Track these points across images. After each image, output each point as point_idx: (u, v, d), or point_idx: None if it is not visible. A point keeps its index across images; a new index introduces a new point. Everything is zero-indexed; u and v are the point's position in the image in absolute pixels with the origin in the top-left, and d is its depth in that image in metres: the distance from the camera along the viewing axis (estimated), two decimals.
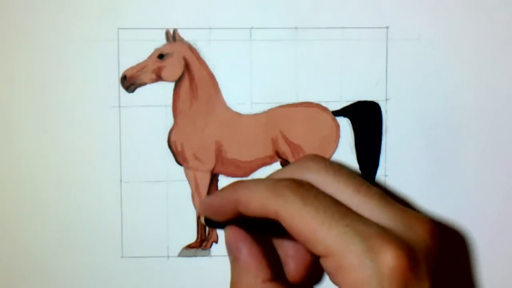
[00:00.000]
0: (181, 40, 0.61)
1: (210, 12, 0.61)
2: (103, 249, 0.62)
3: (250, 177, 0.63)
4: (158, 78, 0.62)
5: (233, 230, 0.28)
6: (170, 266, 0.63)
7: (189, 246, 0.63)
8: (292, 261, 0.28)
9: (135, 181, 0.62)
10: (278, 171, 0.26)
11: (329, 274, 0.25)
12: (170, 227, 0.62)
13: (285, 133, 0.62)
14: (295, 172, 0.27)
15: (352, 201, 0.25)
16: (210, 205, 0.28)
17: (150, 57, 0.61)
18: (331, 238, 0.23)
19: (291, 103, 0.62)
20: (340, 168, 0.26)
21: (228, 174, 0.63)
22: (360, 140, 0.63)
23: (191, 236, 0.63)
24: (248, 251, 0.27)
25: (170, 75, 0.62)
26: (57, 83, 0.61)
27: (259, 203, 0.26)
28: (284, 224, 0.25)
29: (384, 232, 0.23)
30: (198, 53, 0.62)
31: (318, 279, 0.28)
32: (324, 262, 0.24)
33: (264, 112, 0.62)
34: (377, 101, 0.62)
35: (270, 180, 0.26)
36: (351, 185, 0.26)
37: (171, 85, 0.62)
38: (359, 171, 0.63)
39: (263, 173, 0.63)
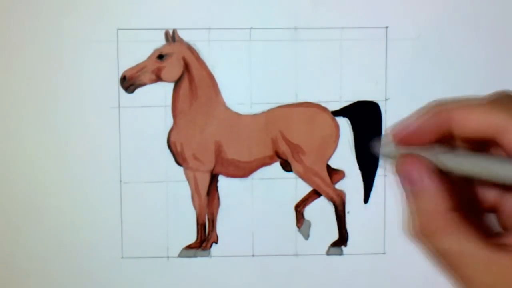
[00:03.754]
0: (181, 40, 0.61)
1: (210, 13, 0.61)
2: (103, 249, 0.62)
3: (250, 178, 0.63)
4: (158, 78, 0.62)
5: (413, 157, 0.26)
6: (170, 266, 0.63)
7: (189, 247, 0.63)
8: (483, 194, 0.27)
9: (135, 182, 0.62)
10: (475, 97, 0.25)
11: None
12: (170, 227, 0.62)
13: (285, 133, 0.62)
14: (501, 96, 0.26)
15: None
16: (412, 129, 0.26)
17: (149, 57, 0.61)
18: None
19: (290, 103, 0.62)
20: None
21: (228, 174, 0.63)
22: (360, 140, 0.63)
23: (191, 236, 0.63)
24: (432, 178, 0.25)
25: (169, 75, 0.62)
26: (56, 84, 0.61)
27: (480, 119, 0.24)
28: (502, 141, 0.24)
29: None
30: (197, 54, 0.62)
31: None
32: None
33: (263, 112, 0.62)
34: (376, 101, 0.62)
35: (482, 98, 0.25)
36: None
37: (171, 85, 0.62)
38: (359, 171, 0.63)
39: (263, 173, 0.63)
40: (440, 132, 0.26)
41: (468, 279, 0.24)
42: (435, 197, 0.26)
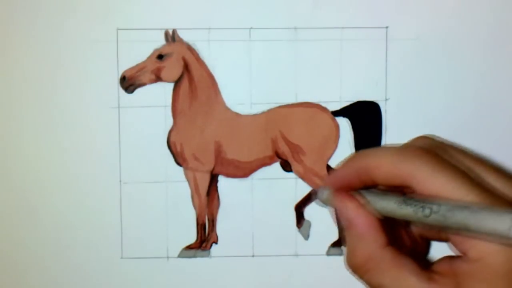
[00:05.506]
0: (180, 40, 0.61)
1: (209, 13, 0.61)
2: (103, 249, 0.62)
3: (250, 178, 0.63)
4: (158, 78, 0.62)
5: (346, 196, 0.28)
6: (170, 267, 0.63)
7: (189, 247, 0.63)
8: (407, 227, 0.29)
9: (135, 182, 0.62)
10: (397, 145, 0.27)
11: (454, 242, 0.25)
12: (169, 228, 0.62)
13: (285, 133, 0.62)
14: (416, 143, 0.27)
15: (473, 173, 0.25)
16: (339, 176, 0.28)
17: (149, 57, 0.61)
18: None
19: (290, 103, 0.62)
20: (451, 144, 0.27)
21: (228, 175, 0.63)
22: (359, 140, 0.63)
23: (191, 237, 0.63)
24: (363, 218, 0.27)
25: (169, 75, 0.62)
26: (56, 84, 0.61)
27: (391, 167, 0.26)
28: (415, 186, 0.26)
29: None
30: (197, 54, 0.62)
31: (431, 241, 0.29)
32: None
33: (263, 113, 0.62)
34: (376, 101, 0.62)
35: (396, 147, 0.27)
36: (469, 158, 0.26)
37: (171, 85, 0.62)
38: None
39: (263, 173, 0.63)
40: (362, 179, 0.28)
41: None
42: (369, 233, 0.27)
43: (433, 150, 0.27)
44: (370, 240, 0.27)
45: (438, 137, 0.28)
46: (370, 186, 0.28)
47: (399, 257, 0.26)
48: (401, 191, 0.26)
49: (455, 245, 0.25)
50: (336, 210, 0.28)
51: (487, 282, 0.24)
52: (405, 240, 0.29)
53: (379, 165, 0.27)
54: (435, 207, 0.25)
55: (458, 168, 0.26)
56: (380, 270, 0.26)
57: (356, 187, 0.28)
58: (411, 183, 0.26)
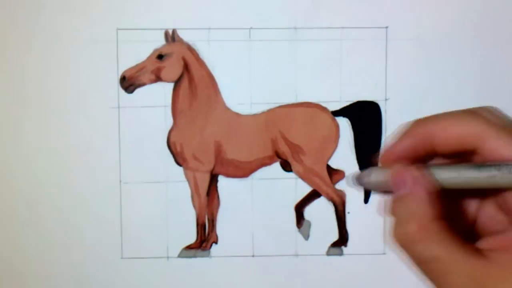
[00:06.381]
0: (180, 40, 0.61)
1: (209, 12, 0.61)
2: (103, 249, 0.62)
3: (250, 178, 0.63)
4: (158, 78, 0.62)
5: (405, 166, 0.27)
6: (170, 266, 0.63)
7: (189, 247, 0.63)
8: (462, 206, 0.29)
9: (135, 182, 0.62)
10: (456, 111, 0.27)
11: None
12: (169, 228, 0.62)
13: (285, 133, 0.62)
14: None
15: None
16: (398, 148, 0.27)
17: (149, 57, 0.61)
18: None
19: (290, 103, 0.62)
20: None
21: (228, 175, 0.63)
22: (359, 140, 0.63)
23: (191, 237, 0.63)
24: (424, 187, 0.26)
25: (169, 75, 0.62)
26: (56, 84, 0.61)
27: (458, 129, 0.25)
28: (483, 148, 0.25)
29: None
30: (197, 54, 0.62)
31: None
32: None
33: (263, 113, 0.62)
34: (376, 101, 0.62)
35: (460, 110, 0.26)
36: None
37: (171, 85, 0.62)
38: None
39: (263, 173, 0.63)
40: (423, 150, 0.27)
41: (449, 286, 0.25)
42: (424, 204, 0.26)
43: (495, 113, 0.26)
44: (427, 210, 0.26)
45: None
46: (426, 159, 0.27)
47: (452, 231, 0.26)
48: (462, 160, 0.25)
49: None
50: (386, 187, 0.27)
51: None
52: (461, 216, 0.28)
53: (445, 129, 0.26)
54: None
55: None
56: (434, 241, 0.26)
57: (413, 160, 0.27)
58: (482, 144, 0.25)
